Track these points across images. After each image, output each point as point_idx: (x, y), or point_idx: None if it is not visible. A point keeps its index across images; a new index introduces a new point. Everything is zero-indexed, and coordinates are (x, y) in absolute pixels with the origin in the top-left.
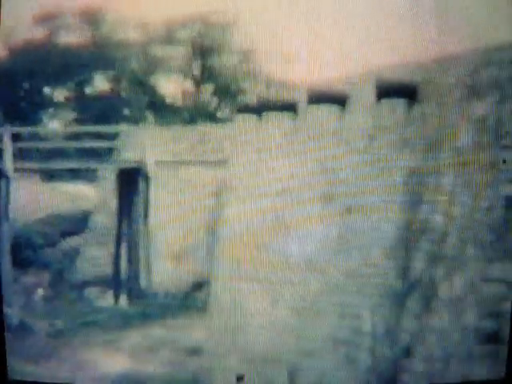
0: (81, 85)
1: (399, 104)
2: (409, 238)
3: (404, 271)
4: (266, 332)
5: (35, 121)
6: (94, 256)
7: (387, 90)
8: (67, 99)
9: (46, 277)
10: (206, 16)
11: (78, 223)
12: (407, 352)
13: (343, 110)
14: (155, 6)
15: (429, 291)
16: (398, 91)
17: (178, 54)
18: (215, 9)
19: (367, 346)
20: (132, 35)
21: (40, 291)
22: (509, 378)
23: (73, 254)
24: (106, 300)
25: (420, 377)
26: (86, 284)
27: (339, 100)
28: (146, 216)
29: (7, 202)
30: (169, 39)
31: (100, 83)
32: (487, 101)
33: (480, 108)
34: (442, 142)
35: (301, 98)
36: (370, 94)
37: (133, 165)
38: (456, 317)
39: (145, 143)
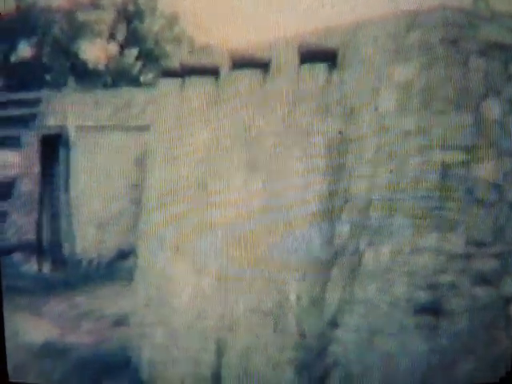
0: (5, 52)
1: (320, 69)
2: (332, 205)
3: (328, 240)
4: (192, 302)
5: None
6: (20, 222)
7: (309, 55)
8: None
9: None
10: None
11: (3, 189)
12: (334, 323)
13: (266, 76)
14: None
15: (354, 261)
16: (319, 55)
17: (102, 18)
18: None
19: (294, 317)
20: (57, 1)
21: None
22: (509, 377)
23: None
24: (31, 266)
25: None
26: (12, 249)
27: (261, 65)
28: (67, 183)
29: None
30: (94, 4)
31: (23, 50)
32: (413, 65)
33: (405, 72)
34: (362, 108)
35: (223, 62)
36: (292, 58)
37: (55, 130)
38: (385, 287)
39: (66, 108)
